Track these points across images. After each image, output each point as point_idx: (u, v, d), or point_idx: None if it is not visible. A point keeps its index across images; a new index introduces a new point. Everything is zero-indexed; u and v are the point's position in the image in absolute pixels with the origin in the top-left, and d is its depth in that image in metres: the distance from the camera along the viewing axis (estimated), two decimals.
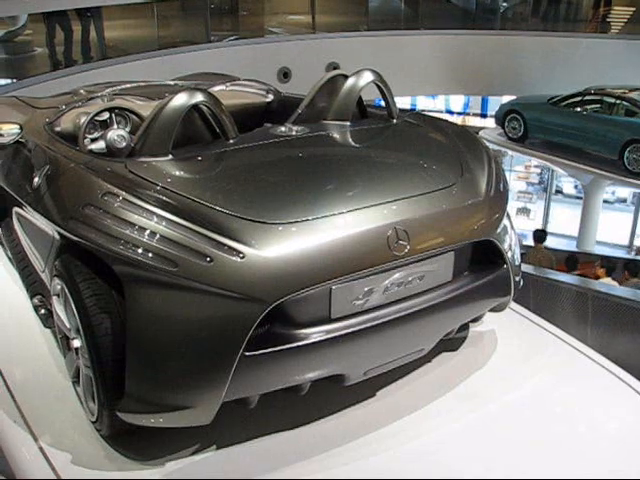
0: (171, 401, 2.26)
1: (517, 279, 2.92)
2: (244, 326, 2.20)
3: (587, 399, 2.90)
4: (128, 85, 4.14)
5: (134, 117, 3.52)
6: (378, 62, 13.55)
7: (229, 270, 2.20)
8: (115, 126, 3.46)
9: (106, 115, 3.46)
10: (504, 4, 16.01)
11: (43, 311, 3.09)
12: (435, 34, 14.07)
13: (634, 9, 14.78)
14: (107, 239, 2.31)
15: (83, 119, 3.39)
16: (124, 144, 3.39)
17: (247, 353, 2.21)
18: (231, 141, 2.93)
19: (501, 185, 2.90)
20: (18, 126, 3.38)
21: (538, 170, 17.26)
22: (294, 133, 3.03)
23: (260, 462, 2.46)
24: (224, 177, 2.74)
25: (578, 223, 13.58)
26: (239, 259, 2.21)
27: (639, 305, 5.19)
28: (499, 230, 2.78)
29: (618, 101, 11.24)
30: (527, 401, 2.84)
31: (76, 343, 2.56)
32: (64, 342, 2.80)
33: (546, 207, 16.36)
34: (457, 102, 18.68)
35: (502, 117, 12.83)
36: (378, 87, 3.34)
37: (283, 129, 3.07)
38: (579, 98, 11.69)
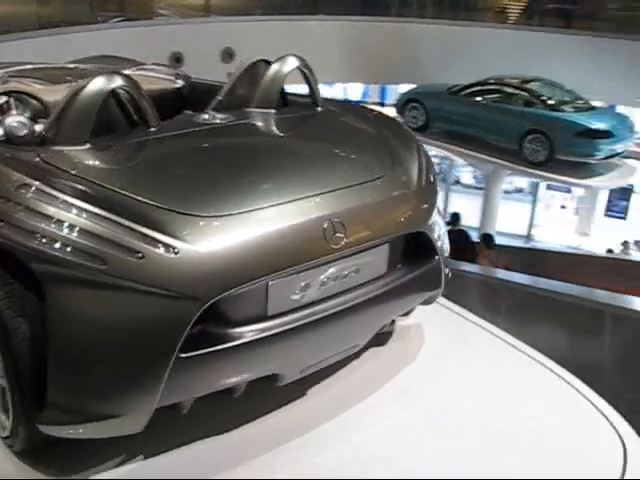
0: (99, 409, 2.17)
1: (447, 271, 2.97)
2: (179, 326, 2.13)
3: (516, 390, 3.00)
4: (23, 67, 3.94)
5: (34, 102, 3.35)
6: (275, 48, 13.34)
7: (162, 267, 2.13)
8: (14, 111, 3.28)
9: (1, 99, 3.27)
10: None
11: None
12: (334, 20, 14.22)
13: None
14: (23, 235, 2.19)
15: None
16: (25, 131, 3.24)
17: (182, 355, 2.15)
18: (152, 129, 2.82)
19: (431, 175, 2.95)
20: None
21: (437, 160, 17.76)
22: (218, 121, 2.97)
23: (193, 470, 2.40)
24: (149, 168, 2.64)
25: (478, 213, 14.10)
26: (173, 255, 2.14)
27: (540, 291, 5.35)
28: (430, 221, 2.82)
29: (517, 91, 11.76)
30: (458, 396, 2.91)
31: None
32: None
33: (445, 197, 16.86)
34: (355, 90, 18.92)
35: (402, 106, 13.12)
36: (302, 73, 3.31)
37: (206, 117, 3.02)
38: (479, 87, 12.13)
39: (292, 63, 3.28)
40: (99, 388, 2.16)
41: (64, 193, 2.25)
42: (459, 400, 2.89)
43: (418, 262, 2.85)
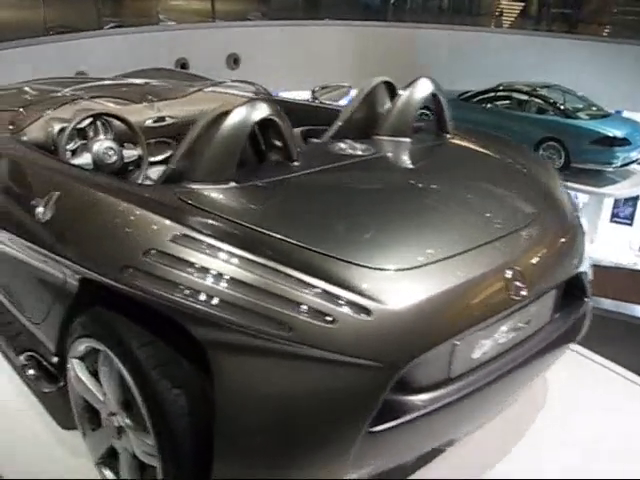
0: None
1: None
2: (372, 397, 1.91)
3: None
4: (91, 84, 3.85)
5: (117, 124, 3.22)
6: (282, 54, 13.55)
7: (356, 331, 1.88)
8: (101, 136, 3.16)
9: (85, 122, 3.12)
10: None
11: (32, 372, 2.71)
12: (339, 25, 14.18)
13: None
14: (185, 295, 1.93)
15: (57, 127, 3.08)
16: (115, 158, 3.14)
17: (371, 429, 1.93)
18: (295, 163, 2.59)
19: (575, 208, 2.77)
20: None
21: None
22: (360, 153, 2.73)
23: None
24: (314, 212, 2.33)
25: None
26: (366, 316, 1.89)
27: None
28: (586, 261, 2.64)
29: (530, 98, 11.77)
30: (590, 444, 2.81)
31: (118, 420, 2.26)
32: (86, 416, 2.47)
33: None
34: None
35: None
36: (434, 97, 3.12)
37: (343, 146, 2.80)
38: (491, 94, 12.13)
39: (427, 88, 3.09)
40: (275, 467, 1.98)
41: (234, 246, 1.98)
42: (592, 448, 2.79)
43: (572, 306, 2.65)
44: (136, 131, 3.27)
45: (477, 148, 3.15)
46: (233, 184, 2.37)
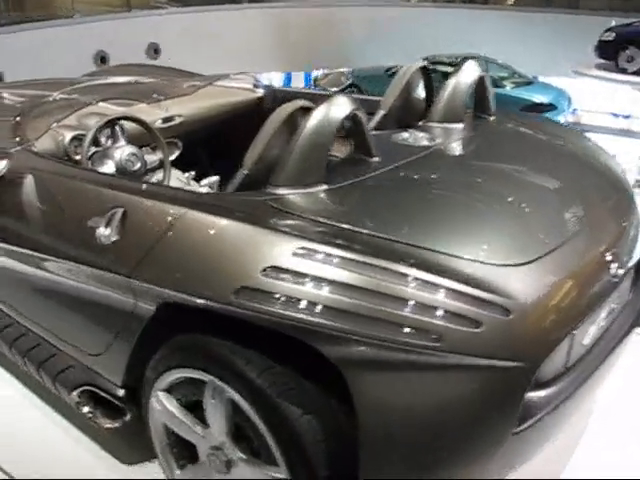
0: None
1: None
2: (515, 397, 1.85)
3: None
4: (80, 85, 3.67)
5: (130, 127, 3.08)
6: (200, 41, 13.35)
7: (500, 333, 1.80)
8: (121, 142, 3.00)
9: (104, 130, 2.98)
10: None
11: (89, 408, 2.58)
12: (257, 7, 14.10)
13: None
14: (319, 314, 1.80)
15: (68, 135, 2.92)
16: (138, 164, 2.99)
17: (514, 430, 1.88)
18: (375, 159, 2.47)
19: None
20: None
21: None
22: (427, 143, 2.65)
23: None
24: (414, 209, 2.22)
25: None
26: (507, 316, 1.80)
27: None
28: None
29: (454, 69, 11.94)
30: None
31: (226, 454, 2.14)
32: (176, 451, 2.36)
33: None
34: (276, 79, 18.80)
35: (340, 91, 13.13)
36: (480, 79, 3.07)
37: (407, 136, 2.71)
38: None
39: (474, 71, 3.05)
40: (425, 476, 1.90)
41: (355, 252, 1.87)
42: None
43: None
44: (156, 134, 3.12)
45: (534, 131, 3.12)
46: (324, 186, 2.23)
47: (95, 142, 2.94)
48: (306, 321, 1.81)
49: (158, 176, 3.20)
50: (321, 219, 2.04)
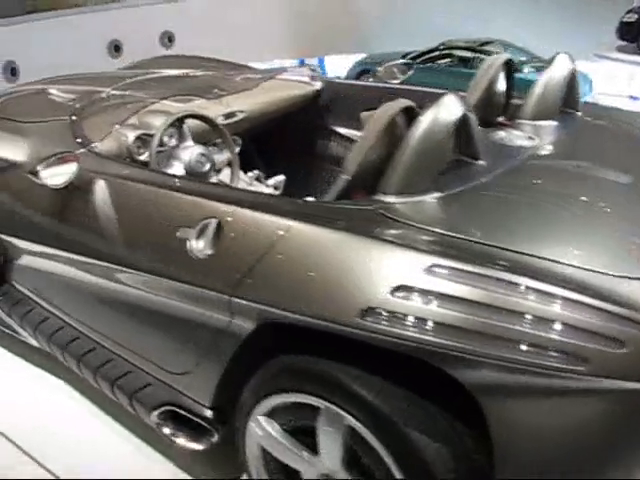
0: None
1: None
2: None
3: None
4: (131, 80, 3.56)
5: (192, 124, 2.98)
6: (218, 29, 13.22)
7: None
8: (189, 141, 2.89)
9: (169, 131, 2.91)
10: None
11: (170, 430, 2.48)
12: None
13: None
14: (455, 337, 1.71)
15: (131, 135, 2.81)
16: (208, 165, 2.87)
17: None
18: (481, 162, 2.37)
19: None
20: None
21: None
22: (527, 143, 2.56)
23: None
24: (533, 218, 2.11)
25: None
26: None
27: None
28: None
29: (475, 54, 11.79)
30: None
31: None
32: (276, 477, 2.26)
33: None
34: (291, 64, 18.70)
35: (355, 78, 12.98)
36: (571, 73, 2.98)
37: (503, 135, 2.64)
38: (436, 53, 12.10)
39: (566, 65, 2.97)
40: None
41: (493, 268, 1.76)
42: None
43: None
44: (224, 133, 3.02)
45: (627, 127, 3.04)
46: (437, 194, 2.13)
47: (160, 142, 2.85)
48: (441, 344, 1.72)
49: (221, 176, 3.07)
50: (442, 231, 1.94)
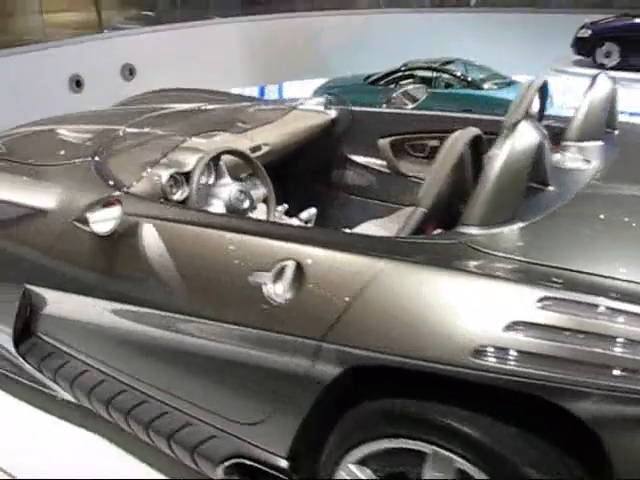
0: None
1: None
2: None
3: None
4: (146, 115, 3.46)
5: (222, 162, 2.92)
6: (178, 60, 13.24)
7: None
8: (226, 179, 2.83)
9: (190, 166, 2.80)
10: None
11: None
12: (231, 22, 14.08)
13: None
14: (570, 370, 1.66)
15: (165, 175, 2.72)
16: (247, 202, 2.80)
17: None
18: (551, 188, 2.37)
19: None
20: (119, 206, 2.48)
21: None
22: (582, 165, 2.57)
23: None
24: (617, 243, 2.10)
25: None
26: None
27: None
28: None
29: (437, 74, 11.96)
30: None
31: None
32: None
33: None
34: (251, 91, 18.77)
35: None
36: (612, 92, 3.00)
37: (560, 158, 2.63)
38: (399, 74, 12.24)
39: (607, 84, 2.97)
40: None
41: (609, 298, 1.72)
42: None
43: None
44: (259, 168, 2.96)
45: None
46: (520, 223, 2.08)
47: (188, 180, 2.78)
48: (560, 379, 1.67)
49: (256, 212, 3.00)
50: (536, 261, 1.90)
